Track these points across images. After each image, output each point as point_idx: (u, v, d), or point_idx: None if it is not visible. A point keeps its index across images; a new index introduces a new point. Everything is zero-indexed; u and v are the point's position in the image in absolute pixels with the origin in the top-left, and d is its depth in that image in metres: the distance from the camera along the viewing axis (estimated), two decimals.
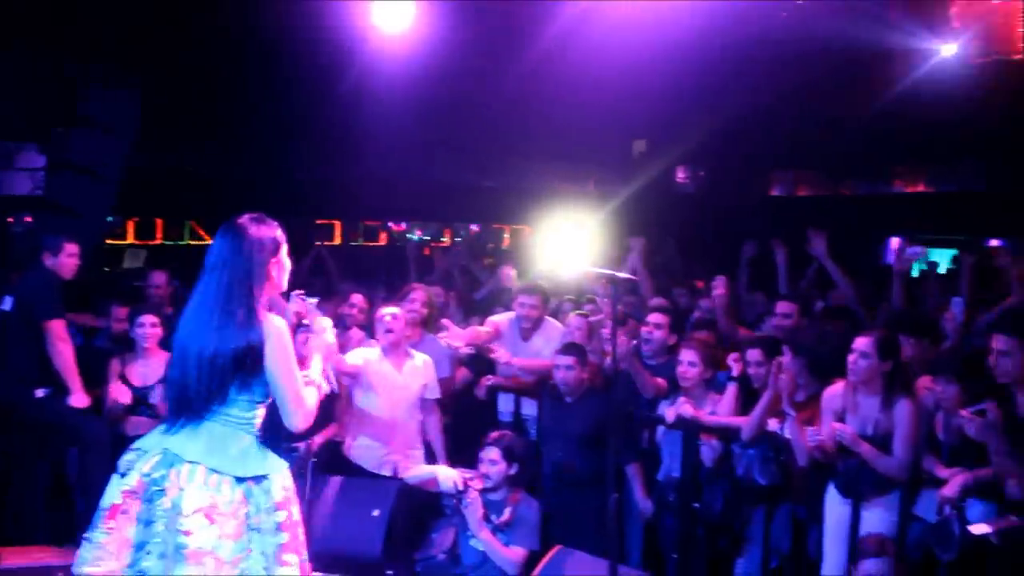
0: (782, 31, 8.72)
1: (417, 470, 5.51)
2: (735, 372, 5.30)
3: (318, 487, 5.37)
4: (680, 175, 16.26)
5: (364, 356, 5.67)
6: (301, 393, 3.31)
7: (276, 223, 3.37)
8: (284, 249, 3.37)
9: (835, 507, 4.84)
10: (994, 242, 14.89)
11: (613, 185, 15.85)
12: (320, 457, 5.51)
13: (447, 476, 5.30)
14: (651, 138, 15.48)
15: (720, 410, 5.32)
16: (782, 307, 6.02)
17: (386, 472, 5.58)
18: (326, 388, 3.57)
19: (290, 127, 11.67)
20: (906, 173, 15.95)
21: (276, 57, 9.41)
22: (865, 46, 8.99)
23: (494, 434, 5.40)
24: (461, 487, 5.17)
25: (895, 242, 15.04)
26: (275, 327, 3.26)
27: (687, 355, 5.46)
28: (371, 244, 15.74)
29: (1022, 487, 4.24)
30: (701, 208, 15.10)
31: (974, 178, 14.81)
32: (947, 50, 9.17)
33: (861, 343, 4.65)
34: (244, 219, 3.31)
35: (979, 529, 2.99)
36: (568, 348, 5.80)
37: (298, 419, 3.30)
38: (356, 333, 6.51)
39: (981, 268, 7.72)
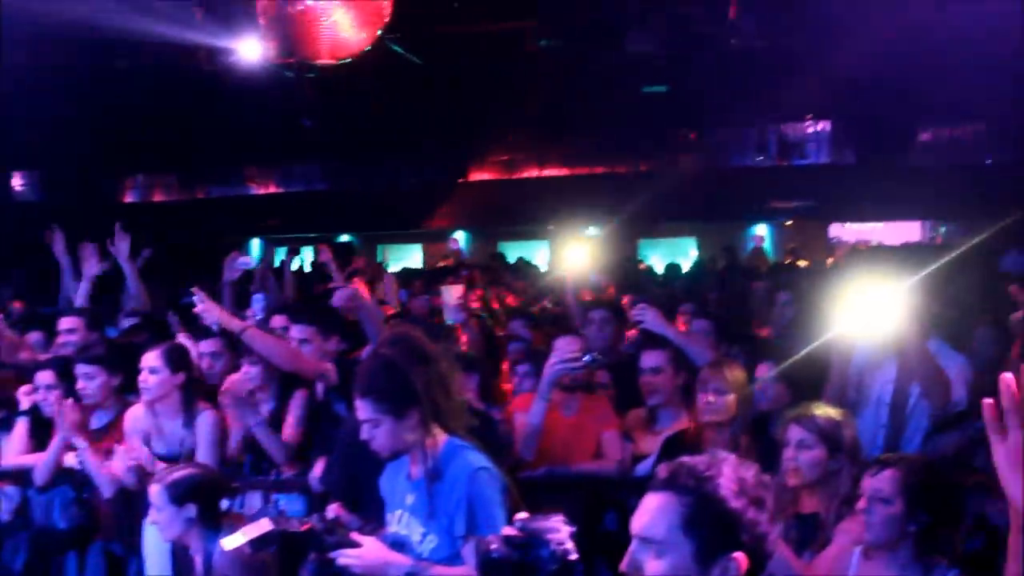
0: (87, 31, 8.11)
1: None
2: (24, 405, 4.62)
3: None
4: (17, 182, 14.61)
5: None
6: None
7: None
8: None
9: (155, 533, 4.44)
10: (344, 237, 15.80)
11: None
12: None
13: None
14: None
15: (11, 451, 4.60)
16: (65, 323, 5.35)
17: None
18: None
19: None
20: (258, 175, 16.15)
21: None
22: (180, 48, 8.73)
23: None
24: None
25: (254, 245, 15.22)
26: None
27: None
28: None
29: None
30: (41, 216, 13.67)
31: (319, 178, 15.51)
32: (248, 51, 9.09)
33: (148, 358, 4.27)
34: None
35: (232, 542, 2.73)
36: None
37: None
38: None
39: (317, 264, 7.84)
